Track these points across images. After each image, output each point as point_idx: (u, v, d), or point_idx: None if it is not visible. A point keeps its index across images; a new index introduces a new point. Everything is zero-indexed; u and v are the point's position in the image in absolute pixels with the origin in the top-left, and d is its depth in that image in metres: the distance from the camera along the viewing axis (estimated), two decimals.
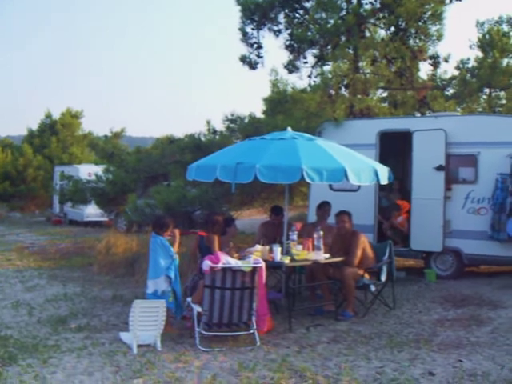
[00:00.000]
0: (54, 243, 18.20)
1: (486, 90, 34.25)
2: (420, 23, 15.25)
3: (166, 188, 13.50)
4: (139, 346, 6.99)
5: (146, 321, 7.06)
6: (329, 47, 15.73)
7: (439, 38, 15.62)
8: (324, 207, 10.06)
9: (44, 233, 22.29)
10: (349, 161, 8.17)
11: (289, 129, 9.01)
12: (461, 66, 35.63)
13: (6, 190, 33.86)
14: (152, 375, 6.10)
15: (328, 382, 5.85)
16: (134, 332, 7.00)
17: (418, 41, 15.95)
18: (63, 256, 15.26)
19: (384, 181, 8.79)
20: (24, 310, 9.24)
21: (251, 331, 7.30)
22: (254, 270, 7.32)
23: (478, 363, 6.43)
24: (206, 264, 7.19)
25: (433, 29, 15.37)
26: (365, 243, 9.02)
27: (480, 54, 34.46)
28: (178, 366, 6.41)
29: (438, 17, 14.93)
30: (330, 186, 11.81)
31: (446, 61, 18.36)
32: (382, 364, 6.44)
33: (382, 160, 11.55)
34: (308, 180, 7.70)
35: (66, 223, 26.28)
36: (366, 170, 8.38)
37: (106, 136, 37.00)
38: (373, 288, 8.85)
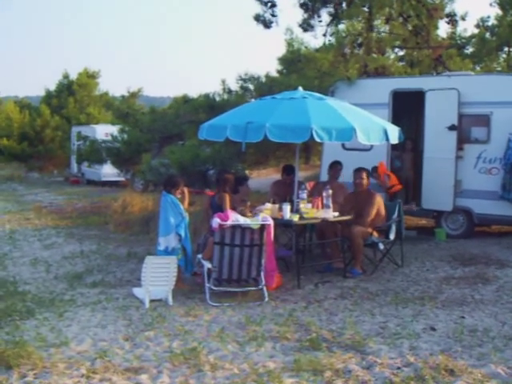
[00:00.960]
0: (71, 202, 18.49)
1: (506, 49, 33.81)
2: None
3: (180, 148, 13.67)
4: (151, 300, 7.21)
5: (158, 276, 7.27)
6: (343, 5, 15.64)
7: None
8: (335, 167, 10.14)
9: (62, 192, 22.59)
10: (358, 120, 8.23)
11: (300, 88, 9.05)
12: (480, 24, 35.11)
13: (24, 151, 34.21)
14: (162, 328, 6.31)
15: (332, 335, 6.03)
16: (146, 287, 7.22)
17: None
18: (80, 215, 15.53)
19: (394, 140, 8.84)
20: (42, 266, 9.51)
21: (260, 287, 7.49)
22: (263, 227, 7.48)
23: (480, 320, 6.57)
24: (216, 221, 7.36)
25: None
26: (380, 203, 9.12)
27: (500, 12, 33.92)
28: (188, 319, 6.63)
29: None
30: (343, 145, 11.84)
31: (463, 19, 18.15)
32: (385, 319, 6.60)
33: (396, 119, 11.60)
34: (317, 139, 7.79)
35: (84, 183, 26.60)
36: (376, 129, 8.43)
37: (122, 96, 37.12)
38: (381, 246, 8.98)
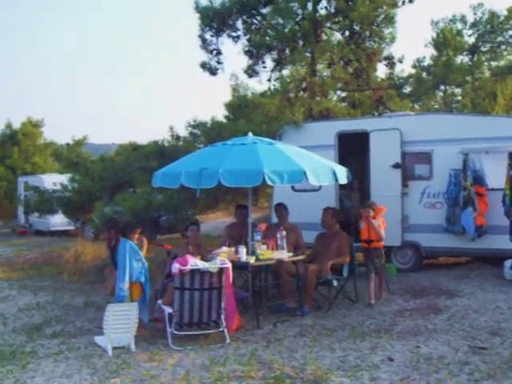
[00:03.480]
0: (21, 254, 18.26)
1: (442, 88, 35.23)
2: (374, 26, 15.82)
3: (132, 195, 13.76)
4: (114, 348, 7.25)
5: (120, 323, 7.33)
6: (287, 51, 16.18)
7: (392, 40, 16.24)
8: (277, 208, 10.39)
9: (10, 244, 22.30)
10: (308, 162, 8.54)
11: (250, 134, 9.34)
12: (417, 64, 36.60)
13: None
14: (128, 374, 6.38)
15: (295, 371, 6.22)
16: (109, 335, 7.27)
17: (372, 43, 16.51)
18: (32, 266, 15.38)
19: (342, 180, 9.17)
20: None
21: (221, 329, 7.63)
22: (221, 270, 7.66)
23: (435, 348, 6.88)
24: (175, 267, 7.51)
25: (386, 31, 16.00)
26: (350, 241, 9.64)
27: (435, 53, 35.42)
28: (152, 364, 6.70)
29: (390, 20, 15.59)
30: (292, 187, 12.19)
31: (401, 61, 18.86)
32: (345, 353, 6.83)
33: (342, 160, 12.02)
34: (269, 183, 8.04)
35: (32, 233, 26.25)
36: (325, 170, 8.76)
37: (67, 144, 36.94)
38: (335, 283, 9.24)
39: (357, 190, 13.67)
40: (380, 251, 9.84)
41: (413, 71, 36.08)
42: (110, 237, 8.92)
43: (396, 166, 11.88)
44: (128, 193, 14.49)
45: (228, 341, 7.49)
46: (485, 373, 5.94)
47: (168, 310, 7.61)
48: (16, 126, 37.21)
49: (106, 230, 9.05)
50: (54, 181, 22.26)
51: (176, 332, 7.54)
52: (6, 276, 13.96)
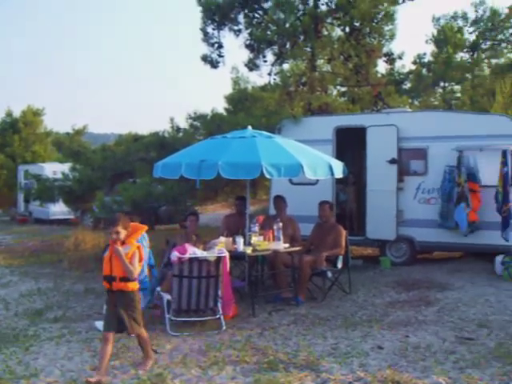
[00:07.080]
0: (21, 241, 18.50)
1: (442, 84, 35.34)
2: (374, 23, 16.01)
3: (133, 185, 13.98)
4: None
5: None
6: (287, 46, 16.37)
7: (392, 36, 16.45)
8: (276, 200, 10.61)
9: (10, 232, 22.55)
10: (305, 156, 8.76)
11: (249, 127, 9.56)
12: (417, 60, 36.67)
13: None
14: (127, 357, 6.61)
15: (287, 357, 6.45)
16: None
17: (372, 39, 16.70)
18: (32, 253, 15.61)
19: (338, 175, 9.41)
20: (0, 304, 9.65)
21: (217, 316, 7.86)
22: (219, 259, 7.90)
23: (423, 338, 7.12)
24: (174, 255, 7.75)
25: (386, 28, 16.18)
26: (345, 234, 9.81)
27: (436, 49, 35.51)
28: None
29: (390, 17, 15.78)
30: (290, 180, 12.41)
31: (400, 58, 19.06)
32: (336, 341, 7.08)
33: (340, 154, 12.26)
34: (267, 175, 8.27)
35: (32, 222, 26.49)
36: (321, 164, 8.98)
37: (68, 133, 37.20)
38: (329, 274, 9.49)
39: (351, 185, 13.92)
40: (130, 297, 6.01)
41: (413, 67, 36.15)
42: None
43: (392, 161, 12.09)
44: (128, 183, 14.71)
45: (224, 328, 7.72)
46: (469, 361, 6.18)
47: (166, 296, 7.85)
48: (16, 114, 37.46)
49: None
50: (54, 169, 22.51)
51: (174, 318, 7.77)
52: (7, 263, 14.19)
